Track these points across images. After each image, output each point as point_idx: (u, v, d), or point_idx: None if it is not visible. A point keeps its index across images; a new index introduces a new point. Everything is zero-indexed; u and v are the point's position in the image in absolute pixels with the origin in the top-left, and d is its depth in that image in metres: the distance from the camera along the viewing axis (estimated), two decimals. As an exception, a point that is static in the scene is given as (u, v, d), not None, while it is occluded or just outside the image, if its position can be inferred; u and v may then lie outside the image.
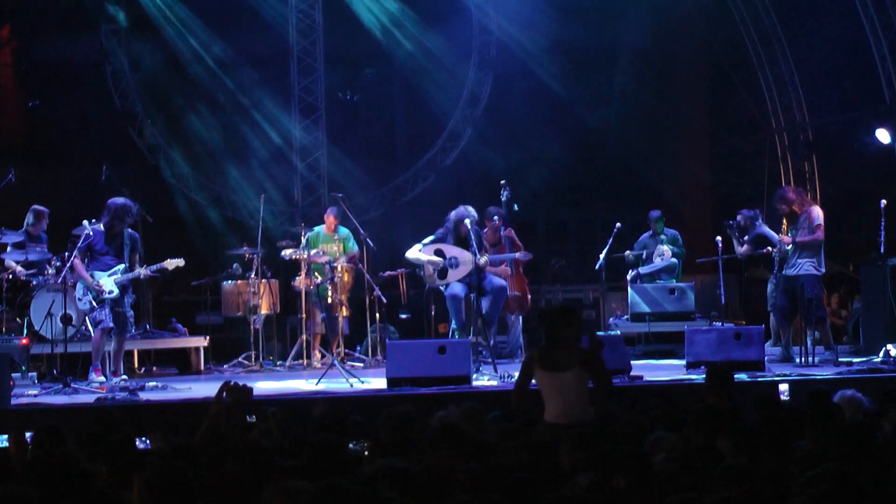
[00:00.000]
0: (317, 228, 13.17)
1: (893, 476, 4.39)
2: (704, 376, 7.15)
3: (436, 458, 4.94)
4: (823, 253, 11.83)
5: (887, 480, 4.33)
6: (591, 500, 4.42)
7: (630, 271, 14.12)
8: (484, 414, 6.69)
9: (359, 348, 13.49)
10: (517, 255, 12.58)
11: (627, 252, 14.13)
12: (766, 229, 12.80)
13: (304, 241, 12.68)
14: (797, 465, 4.67)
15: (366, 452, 5.98)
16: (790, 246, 11.70)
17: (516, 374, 10.49)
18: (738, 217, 13.17)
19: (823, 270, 11.85)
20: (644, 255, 14.17)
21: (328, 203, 15.27)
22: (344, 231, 13.21)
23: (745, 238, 13.05)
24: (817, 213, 11.76)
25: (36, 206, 12.32)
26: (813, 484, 3.96)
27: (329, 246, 13.01)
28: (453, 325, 12.14)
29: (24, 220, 12.16)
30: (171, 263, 11.48)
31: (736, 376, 9.33)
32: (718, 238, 12.88)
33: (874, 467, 4.62)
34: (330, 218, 13.18)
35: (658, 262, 14.05)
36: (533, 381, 7.30)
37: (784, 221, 11.89)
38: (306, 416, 7.49)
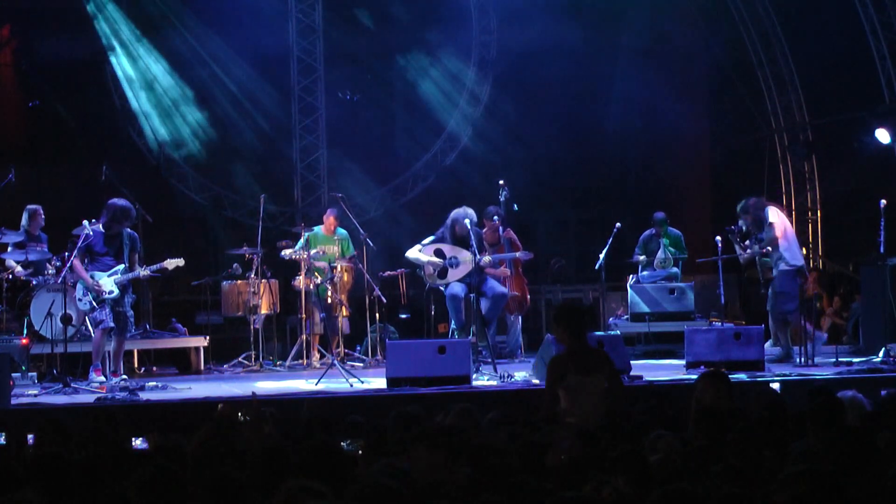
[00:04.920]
0: (316, 229, 13.17)
1: (891, 479, 4.37)
2: (696, 378, 7.08)
3: (433, 458, 4.92)
4: (796, 245, 11.96)
5: (884, 484, 4.32)
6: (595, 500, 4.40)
7: (631, 276, 14.10)
8: (478, 414, 6.60)
9: (359, 348, 13.49)
10: (518, 254, 12.58)
11: (641, 256, 14.07)
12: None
13: (302, 240, 12.67)
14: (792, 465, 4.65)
15: (360, 452, 5.95)
16: (770, 249, 11.82)
17: (517, 375, 10.60)
18: (739, 222, 13.16)
19: (799, 263, 11.87)
20: (646, 255, 14.14)
21: (328, 203, 15.28)
22: (342, 232, 13.20)
23: (747, 242, 13.04)
24: (769, 211, 11.89)
25: (29, 206, 12.34)
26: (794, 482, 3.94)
27: (328, 247, 13.00)
28: (453, 325, 12.13)
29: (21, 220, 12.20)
30: (171, 263, 11.48)
31: (736, 376, 9.38)
32: (718, 238, 12.86)
33: (873, 470, 4.61)
34: (330, 219, 13.17)
35: (659, 272, 14.01)
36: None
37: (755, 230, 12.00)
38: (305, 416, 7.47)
